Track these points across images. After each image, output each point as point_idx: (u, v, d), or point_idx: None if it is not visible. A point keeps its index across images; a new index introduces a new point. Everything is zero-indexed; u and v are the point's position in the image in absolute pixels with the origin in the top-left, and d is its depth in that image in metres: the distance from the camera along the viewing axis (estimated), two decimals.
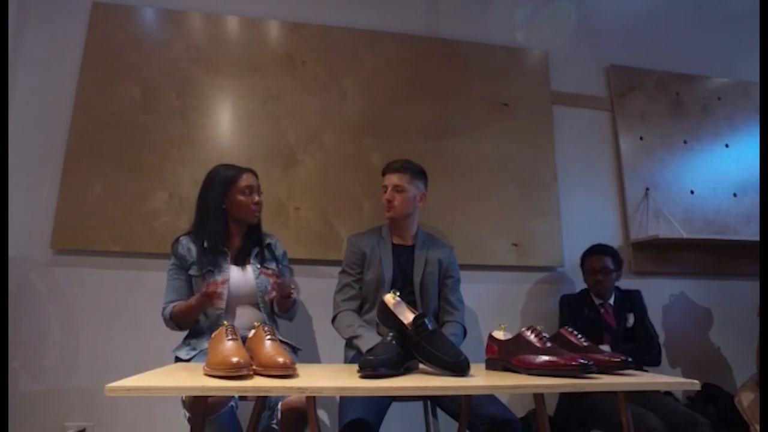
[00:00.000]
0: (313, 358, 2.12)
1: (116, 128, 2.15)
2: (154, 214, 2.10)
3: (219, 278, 1.57)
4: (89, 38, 2.21)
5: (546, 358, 1.13)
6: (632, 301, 2.14)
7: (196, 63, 2.27)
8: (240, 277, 1.65)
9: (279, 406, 1.48)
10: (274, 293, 1.56)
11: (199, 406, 1.07)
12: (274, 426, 1.49)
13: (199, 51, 2.29)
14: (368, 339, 1.60)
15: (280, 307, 1.70)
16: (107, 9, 2.25)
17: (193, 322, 1.62)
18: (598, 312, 2.09)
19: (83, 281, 2.04)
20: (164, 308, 1.62)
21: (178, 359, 1.56)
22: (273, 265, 1.74)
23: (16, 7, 2.19)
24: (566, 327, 1.36)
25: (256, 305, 1.66)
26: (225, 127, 2.24)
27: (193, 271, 1.63)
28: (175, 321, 1.60)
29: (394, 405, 1.62)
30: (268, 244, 1.77)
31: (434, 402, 1.71)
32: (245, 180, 1.69)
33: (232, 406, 1.42)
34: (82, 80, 2.17)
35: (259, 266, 1.69)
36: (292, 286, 1.66)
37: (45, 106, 2.14)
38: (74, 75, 2.17)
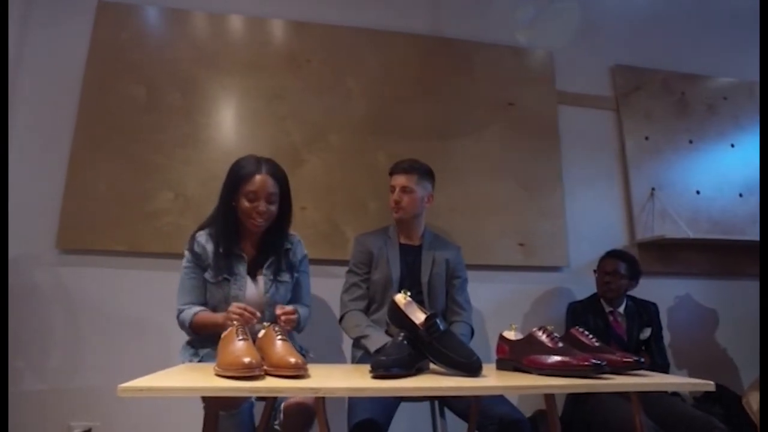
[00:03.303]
0: (319, 358, 2.11)
1: (121, 127, 2.14)
2: (158, 214, 2.09)
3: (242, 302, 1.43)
4: (94, 37, 2.20)
5: (558, 358, 1.12)
6: (650, 314, 2.12)
7: (201, 62, 2.26)
8: (251, 289, 1.56)
9: (281, 407, 1.46)
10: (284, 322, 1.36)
11: (213, 405, 1.07)
12: (276, 427, 1.47)
13: (204, 50, 2.28)
14: (376, 339, 1.59)
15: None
16: (112, 8, 2.24)
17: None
18: (606, 320, 2.07)
19: (88, 281, 2.03)
20: (181, 311, 1.51)
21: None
22: (287, 277, 1.61)
23: (21, 5, 2.18)
24: (577, 327, 1.36)
25: (264, 318, 1.59)
26: (229, 126, 2.23)
27: (208, 276, 1.53)
28: (194, 330, 1.48)
29: (402, 405, 1.62)
30: (287, 250, 1.64)
31: (442, 402, 1.71)
32: (253, 184, 1.52)
33: (252, 402, 1.39)
34: (87, 79, 2.16)
35: (272, 277, 1.58)
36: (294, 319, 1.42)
37: (50, 105, 2.13)
38: (79, 74, 2.16)
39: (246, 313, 1.30)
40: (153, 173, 2.12)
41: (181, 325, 1.51)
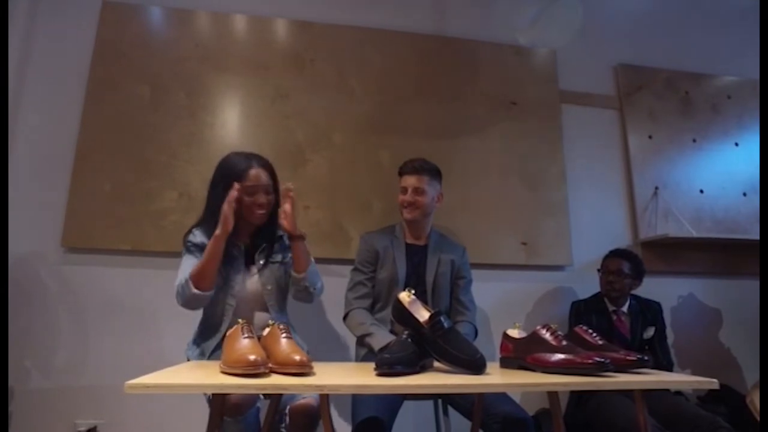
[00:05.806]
0: (322, 356, 2.11)
1: (125, 127, 2.15)
2: (163, 213, 2.10)
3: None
4: (98, 37, 2.21)
5: (562, 356, 1.12)
6: (653, 313, 2.12)
7: (205, 62, 2.27)
8: (248, 278, 1.60)
9: (287, 409, 1.47)
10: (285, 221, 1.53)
11: (218, 404, 1.07)
12: (283, 429, 1.48)
13: (208, 50, 2.29)
14: (380, 337, 1.60)
15: (298, 297, 1.64)
16: (116, 8, 2.25)
17: (216, 273, 1.49)
18: (610, 319, 2.07)
19: (93, 280, 2.04)
20: (180, 282, 1.50)
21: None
22: (278, 257, 1.65)
23: (26, 5, 2.19)
24: (581, 325, 1.36)
25: (264, 307, 1.60)
26: (234, 125, 2.24)
27: None
28: (194, 280, 1.45)
29: (406, 403, 1.62)
30: (280, 237, 1.67)
31: (446, 400, 1.71)
32: (250, 178, 1.55)
33: (258, 408, 1.40)
34: (92, 79, 2.17)
35: (262, 262, 1.62)
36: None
37: (54, 105, 2.15)
38: (84, 74, 2.17)
39: (235, 192, 1.45)
40: (157, 172, 2.13)
41: (180, 290, 1.48)
